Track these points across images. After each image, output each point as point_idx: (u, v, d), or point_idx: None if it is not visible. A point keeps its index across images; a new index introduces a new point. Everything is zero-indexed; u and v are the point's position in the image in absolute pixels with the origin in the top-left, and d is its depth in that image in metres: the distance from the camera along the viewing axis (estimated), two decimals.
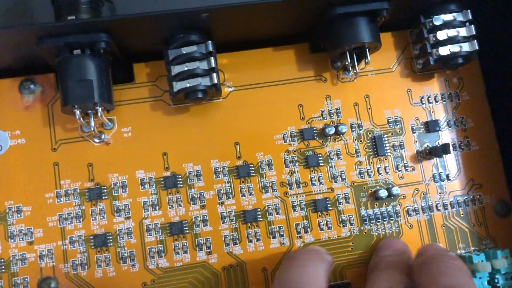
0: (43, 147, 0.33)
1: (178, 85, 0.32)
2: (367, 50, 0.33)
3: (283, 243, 0.33)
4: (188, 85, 0.31)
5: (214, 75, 0.31)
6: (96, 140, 0.33)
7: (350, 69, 0.34)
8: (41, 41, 0.29)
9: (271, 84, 0.35)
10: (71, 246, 0.32)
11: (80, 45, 0.30)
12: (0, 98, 0.33)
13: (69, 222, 0.32)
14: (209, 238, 0.33)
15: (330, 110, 0.35)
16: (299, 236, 0.33)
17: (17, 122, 0.33)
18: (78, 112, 0.31)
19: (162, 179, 0.33)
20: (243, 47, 0.35)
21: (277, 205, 0.33)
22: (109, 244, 0.32)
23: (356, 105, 0.35)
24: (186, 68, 0.31)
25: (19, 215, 0.32)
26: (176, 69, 0.32)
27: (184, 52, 0.31)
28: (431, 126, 0.35)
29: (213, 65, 0.31)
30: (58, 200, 0.32)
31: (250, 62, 0.35)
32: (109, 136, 0.33)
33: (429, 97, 0.36)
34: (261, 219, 0.33)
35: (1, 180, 0.32)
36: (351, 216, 0.34)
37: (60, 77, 0.31)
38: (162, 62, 0.33)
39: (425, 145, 0.35)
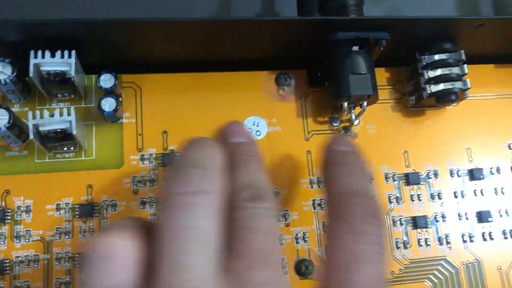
0: (297, 136, 0.35)
1: (432, 88, 0.34)
2: None
3: None
4: (442, 87, 0.34)
5: (467, 80, 0.34)
6: (345, 134, 0.35)
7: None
8: (331, 34, 0.32)
9: (502, 97, 0.38)
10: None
11: (362, 41, 0.32)
12: (258, 88, 0.35)
13: (320, 208, 0.34)
14: (448, 235, 0.34)
15: None
16: None
17: (274, 111, 0.35)
18: (345, 104, 0.33)
19: (403, 175, 0.35)
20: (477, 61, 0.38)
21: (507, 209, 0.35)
22: None
23: None
24: (440, 73, 0.34)
25: (277, 197, 0.33)
26: (430, 74, 0.34)
27: (438, 58, 0.34)
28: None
29: (466, 71, 0.34)
30: (311, 187, 0.34)
31: (480, 75, 0.38)
32: (355, 131, 0.35)
33: None
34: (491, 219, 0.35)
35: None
36: None
37: (335, 71, 0.33)
38: (400, 68, 0.36)
39: None
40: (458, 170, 0.36)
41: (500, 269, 0.34)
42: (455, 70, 0.34)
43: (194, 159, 0.23)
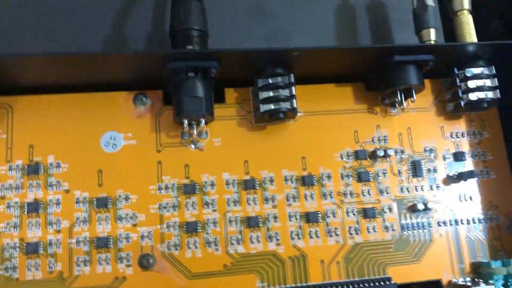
0: (150, 149, 0.40)
1: (264, 107, 0.40)
2: (413, 90, 0.41)
3: (338, 241, 0.40)
4: (272, 107, 0.40)
5: (294, 101, 0.40)
6: (193, 146, 0.41)
7: (397, 106, 0.43)
8: (167, 64, 0.38)
9: (333, 113, 0.43)
10: (167, 230, 0.39)
11: (195, 69, 0.38)
12: (117, 106, 0.41)
13: (167, 210, 0.39)
14: (278, 232, 0.40)
15: (379, 137, 0.43)
16: (351, 237, 0.41)
17: (130, 127, 0.41)
18: (186, 121, 0.39)
19: (242, 181, 0.41)
20: (310, 81, 0.44)
21: (334, 210, 0.41)
22: (198, 230, 0.39)
23: (400, 134, 0.43)
24: (272, 94, 0.40)
25: (127, 202, 0.39)
26: (264, 95, 0.40)
27: (271, 81, 0.40)
28: (458, 156, 0.43)
29: (293, 93, 0.40)
30: (159, 192, 0.40)
31: (316, 94, 0.43)
32: (203, 144, 0.41)
33: (457, 133, 0.44)
34: (321, 220, 0.41)
35: (114, 172, 0.40)
36: (393, 224, 0.41)
37: (175, 93, 0.39)
38: (248, 88, 0.42)
39: (454, 171, 0.43)
40: (292, 176, 0.41)
41: (322, 262, 0.40)
42: (285, 92, 0.40)
43: None
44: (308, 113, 0.43)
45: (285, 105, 0.40)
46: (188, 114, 0.38)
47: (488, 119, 0.45)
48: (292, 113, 0.40)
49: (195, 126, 0.40)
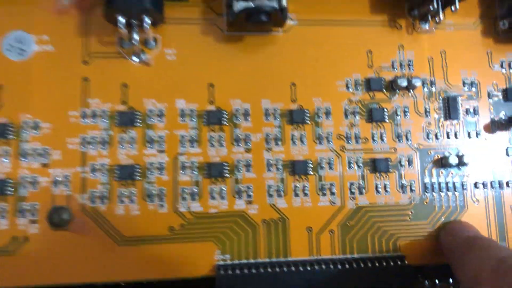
0: (73, 59, 0.28)
1: (239, 4, 0.27)
2: None
3: (333, 202, 0.29)
4: (252, 5, 0.27)
5: None
6: (135, 59, 0.29)
7: (429, 18, 0.30)
8: None
9: (340, 23, 0.30)
10: (92, 175, 0.27)
11: None
12: None
13: (92, 147, 0.28)
14: (251, 186, 0.28)
15: (402, 61, 0.31)
16: (352, 197, 0.29)
17: (46, 25, 0.28)
18: (121, 19, 0.26)
19: (205, 113, 0.29)
20: None
21: (331, 159, 0.29)
22: (136, 178, 0.27)
23: (431, 59, 0.31)
24: None
25: (35, 132, 0.27)
26: None
27: None
28: (510, 94, 0.31)
29: None
30: (83, 121, 0.28)
31: None
32: (150, 56, 0.29)
33: (510, 62, 0.32)
34: (311, 172, 0.29)
35: (20, 89, 0.28)
36: (413, 182, 0.30)
37: None
38: None
39: (502, 114, 0.31)
40: (275, 110, 0.29)
41: (310, 230, 0.29)
42: None
43: None
44: (304, 22, 0.30)
45: (270, 3, 0.27)
46: (124, 6, 0.26)
47: None
48: (280, 17, 0.28)
49: (136, 29, 0.27)
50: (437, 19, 0.30)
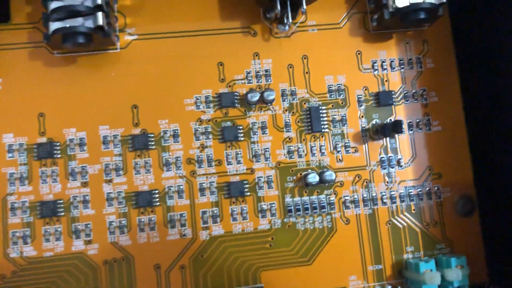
0: None
1: (54, 25, 0.24)
2: None
3: (184, 235, 0.26)
4: (66, 25, 0.24)
5: (100, 14, 0.24)
6: None
7: (288, 20, 0.27)
8: None
9: (185, 35, 0.28)
10: None
11: None
12: None
13: None
14: (89, 224, 0.26)
15: (258, 72, 0.28)
16: (205, 227, 0.26)
17: None
18: None
19: (35, 146, 0.26)
20: None
21: (181, 187, 0.26)
22: None
23: (290, 67, 0.28)
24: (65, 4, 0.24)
25: None
26: (54, 5, 0.24)
27: None
28: (382, 99, 0.28)
29: (99, 1, 0.24)
30: None
31: (160, 4, 0.28)
32: None
33: (383, 62, 0.28)
34: (158, 203, 0.26)
35: None
36: (273, 205, 0.27)
37: None
38: None
39: (374, 122, 0.28)
40: (114, 137, 0.27)
41: (158, 268, 0.26)
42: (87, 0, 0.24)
43: None
44: (144, 36, 0.27)
45: (86, 22, 0.24)
46: None
47: (433, 39, 0.29)
48: (101, 36, 0.25)
49: None
50: (287, 21, 0.27)
